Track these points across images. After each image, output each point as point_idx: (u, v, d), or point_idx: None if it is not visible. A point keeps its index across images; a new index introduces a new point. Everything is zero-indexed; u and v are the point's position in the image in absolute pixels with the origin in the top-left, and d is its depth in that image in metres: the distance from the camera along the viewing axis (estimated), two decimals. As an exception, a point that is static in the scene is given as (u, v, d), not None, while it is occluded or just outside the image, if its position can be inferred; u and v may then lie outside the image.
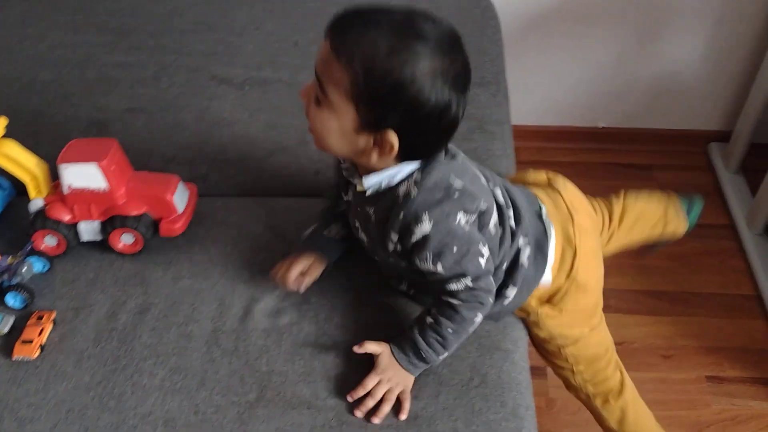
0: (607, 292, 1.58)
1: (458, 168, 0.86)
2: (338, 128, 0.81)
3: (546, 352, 1.12)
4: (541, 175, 1.13)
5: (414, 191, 0.83)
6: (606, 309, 1.55)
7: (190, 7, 1.60)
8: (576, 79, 1.85)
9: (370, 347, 0.90)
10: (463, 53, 0.80)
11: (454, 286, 0.86)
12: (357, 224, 0.93)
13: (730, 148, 1.83)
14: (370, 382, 0.89)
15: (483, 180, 0.90)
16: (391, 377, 0.89)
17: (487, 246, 0.87)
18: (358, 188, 0.89)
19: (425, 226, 0.83)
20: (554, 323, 1.04)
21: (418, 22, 0.77)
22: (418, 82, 0.75)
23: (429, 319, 0.89)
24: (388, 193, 0.86)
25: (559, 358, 1.10)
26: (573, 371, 1.12)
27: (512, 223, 0.95)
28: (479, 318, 0.90)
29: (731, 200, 1.77)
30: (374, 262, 1.00)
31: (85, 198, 1.02)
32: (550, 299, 1.03)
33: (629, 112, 1.92)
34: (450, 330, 0.88)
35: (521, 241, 0.96)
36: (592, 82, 1.85)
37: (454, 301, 0.87)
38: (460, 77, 0.79)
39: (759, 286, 1.59)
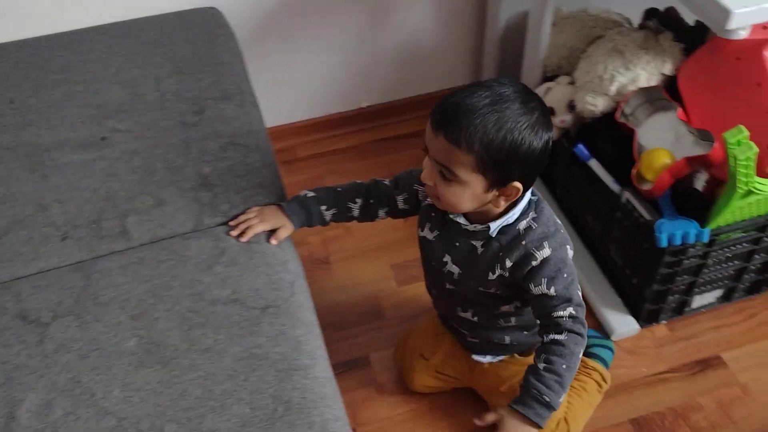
0: (408, 264, 1.62)
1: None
2: (471, 195, 0.97)
3: None
4: None
5: (534, 225, 1.03)
6: (410, 280, 1.60)
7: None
8: (327, 68, 1.85)
9: (490, 418, 1.06)
10: (536, 96, 0.96)
11: (561, 312, 1.03)
12: (447, 258, 1.10)
13: (483, 97, 1.93)
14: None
15: None
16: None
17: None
18: (466, 227, 1.06)
19: (545, 252, 1.02)
20: None
21: (500, 91, 0.92)
22: (525, 139, 0.92)
23: (542, 365, 1.04)
24: (507, 229, 1.04)
25: None
26: None
27: None
28: (580, 352, 1.05)
29: (496, 146, 1.87)
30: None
31: None
32: None
33: (386, 87, 1.96)
34: (564, 366, 1.03)
35: None
36: (343, 66, 1.86)
37: (560, 337, 1.03)
38: (545, 116, 0.95)
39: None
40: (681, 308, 1.47)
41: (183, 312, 1.00)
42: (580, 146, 1.41)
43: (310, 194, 1.18)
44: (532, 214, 1.04)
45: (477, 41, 1.90)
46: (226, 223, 1.13)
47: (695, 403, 1.36)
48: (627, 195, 1.36)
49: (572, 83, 1.49)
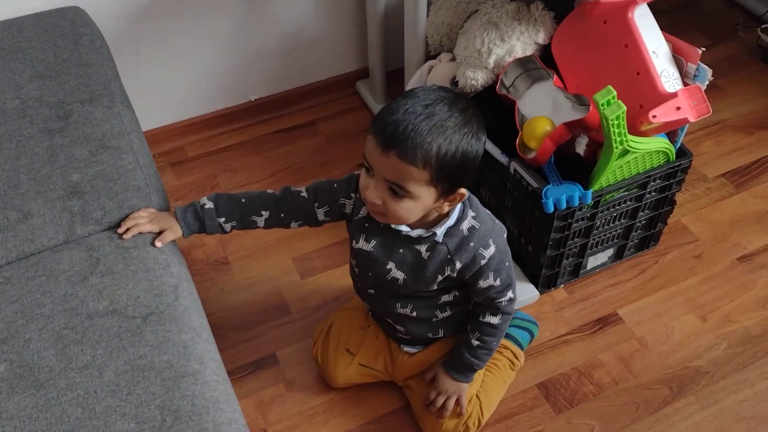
0: (309, 256, 1.61)
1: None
2: (422, 207, 0.99)
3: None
4: None
5: (477, 224, 1.07)
6: (313, 272, 1.58)
7: None
8: (210, 63, 1.79)
9: (428, 376, 1.25)
10: (467, 101, 0.98)
11: (502, 298, 1.13)
12: (390, 266, 1.10)
13: (372, 82, 1.92)
14: (437, 399, 1.22)
15: None
16: (448, 388, 1.21)
17: None
18: (408, 234, 1.07)
19: (491, 250, 1.07)
20: None
21: (437, 103, 0.93)
22: (472, 147, 0.96)
23: (476, 342, 1.17)
24: (452, 231, 1.06)
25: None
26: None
27: None
28: (507, 327, 1.20)
29: (389, 129, 1.87)
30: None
31: None
32: None
33: (274, 78, 1.91)
34: (494, 343, 1.18)
35: None
36: (226, 60, 1.80)
37: (495, 320, 1.15)
38: (479, 119, 0.98)
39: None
40: (577, 271, 1.50)
41: (57, 330, 0.93)
42: (465, 121, 1.42)
43: (208, 205, 1.13)
44: (471, 213, 1.07)
45: (360, 26, 1.89)
46: (100, 232, 1.06)
47: (597, 361, 1.40)
48: (514, 165, 1.37)
49: (454, 60, 1.49)
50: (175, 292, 1.00)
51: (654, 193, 1.43)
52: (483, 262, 1.07)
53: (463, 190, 1.00)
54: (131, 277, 1.00)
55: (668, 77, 1.30)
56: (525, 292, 1.47)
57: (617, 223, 1.44)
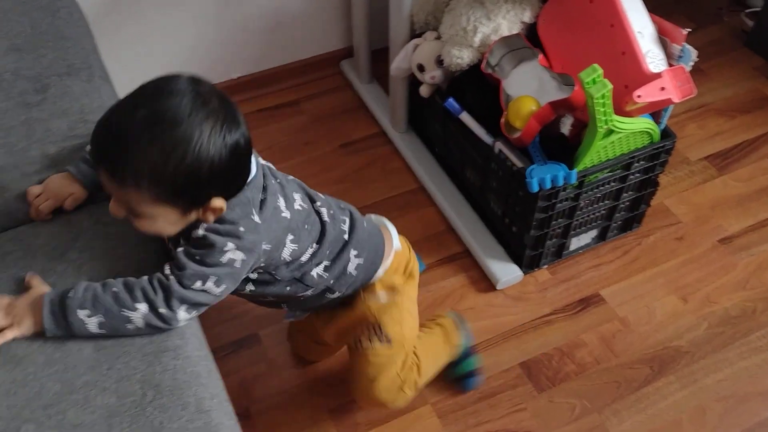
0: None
1: (261, 203, 0.89)
2: (167, 223, 0.84)
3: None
4: None
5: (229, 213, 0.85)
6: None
7: None
8: (192, 39, 1.76)
9: (36, 281, 0.90)
10: (210, 91, 0.80)
11: (163, 268, 0.86)
12: None
13: (356, 61, 1.91)
14: None
15: (284, 212, 0.92)
16: (17, 314, 0.86)
17: (222, 289, 0.87)
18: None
19: (199, 232, 0.85)
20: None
21: (157, 105, 0.77)
22: (204, 156, 0.77)
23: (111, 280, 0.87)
24: None
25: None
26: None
27: (345, 236, 1.02)
28: (142, 308, 0.84)
29: (374, 108, 1.86)
30: None
31: None
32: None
33: (257, 56, 1.89)
34: (116, 291, 0.84)
35: (352, 253, 1.02)
36: (208, 36, 1.78)
37: (141, 283, 0.86)
38: (228, 114, 0.80)
39: (419, 178, 1.70)
40: (560, 251, 1.51)
41: (35, 305, 0.91)
42: (450, 100, 1.41)
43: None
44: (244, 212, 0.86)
45: (345, 4, 1.87)
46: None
47: (579, 341, 1.41)
48: (499, 145, 1.37)
49: (439, 38, 1.48)
50: (156, 269, 0.98)
51: (637, 175, 1.43)
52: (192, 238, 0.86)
53: (218, 203, 0.82)
54: (111, 253, 0.98)
55: (653, 58, 1.30)
56: (508, 272, 1.48)
57: (601, 204, 1.45)
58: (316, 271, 1.00)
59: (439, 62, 1.46)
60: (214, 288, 0.86)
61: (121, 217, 0.85)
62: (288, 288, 1.00)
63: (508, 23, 1.38)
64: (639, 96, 1.25)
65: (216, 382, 0.90)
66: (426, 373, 1.20)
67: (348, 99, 1.94)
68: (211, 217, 0.85)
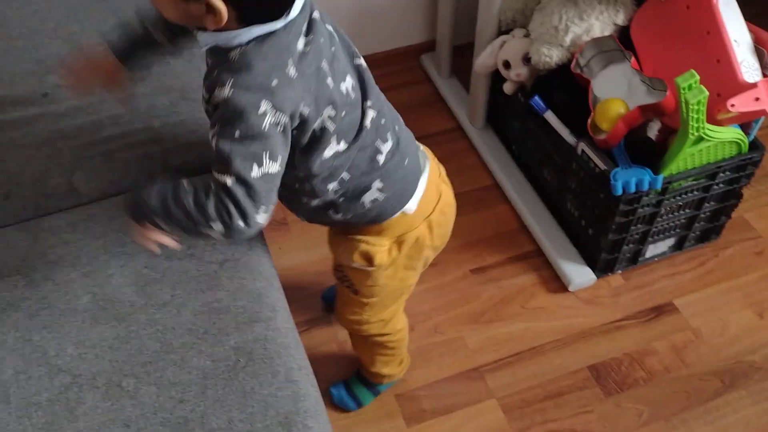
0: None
1: (299, 55, 0.77)
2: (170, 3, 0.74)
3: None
4: None
5: (238, 57, 0.75)
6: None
7: None
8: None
9: None
10: None
11: (215, 174, 0.76)
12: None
13: (437, 55, 1.92)
14: None
15: (329, 79, 0.80)
16: None
17: (280, 162, 0.77)
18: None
19: (225, 91, 0.73)
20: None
21: None
22: None
23: (184, 183, 0.78)
24: (222, 52, 0.76)
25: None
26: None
27: (380, 158, 0.88)
28: (217, 227, 0.76)
29: (452, 103, 1.87)
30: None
31: None
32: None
33: (340, 45, 1.92)
34: (187, 206, 0.76)
35: (377, 184, 0.89)
36: (296, 23, 1.82)
37: (209, 191, 0.76)
38: None
39: (494, 175, 1.70)
40: (635, 258, 1.49)
41: (138, 268, 0.97)
42: (536, 98, 1.42)
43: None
44: (251, 45, 0.75)
45: (432, -2, 1.88)
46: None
47: (650, 348, 1.39)
48: (582, 146, 1.37)
49: (527, 36, 1.49)
50: (249, 242, 1.03)
51: (722, 185, 1.41)
52: (214, 102, 0.75)
53: (217, 3, 0.71)
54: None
55: (748, 67, 1.28)
56: (581, 275, 1.47)
57: (681, 212, 1.43)
58: (333, 185, 0.88)
59: (526, 60, 1.47)
60: (273, 164, 0.76)
61: None
62: (297, 185, 0.88)
63: (600, 24, 1.37)
64: (732, 105, 1.23)
65: (302, 354, 0.93)
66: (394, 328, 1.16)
67: (425, 93, 1.95)
68: (210, 22, 0.73)
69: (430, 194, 0.98)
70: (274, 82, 0.74)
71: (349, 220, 0.93)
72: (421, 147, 1.01)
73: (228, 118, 0.74)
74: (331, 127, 0.81)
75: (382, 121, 0.88)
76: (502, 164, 1.70)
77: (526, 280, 1.51)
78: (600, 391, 1.33)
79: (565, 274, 1.48)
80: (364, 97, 0.86)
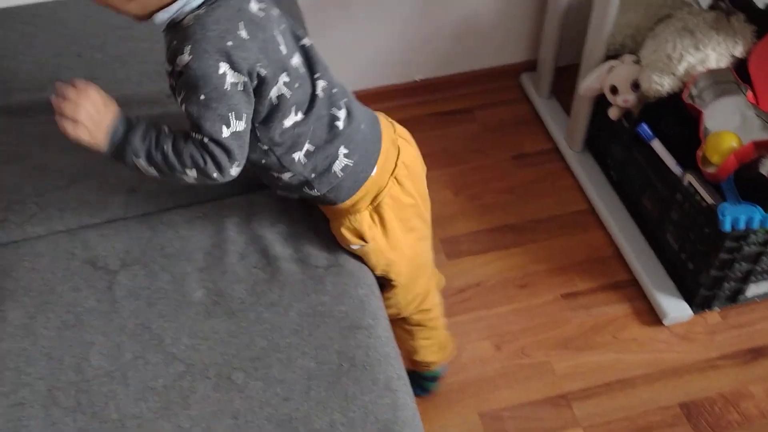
0: (458, 238, 1.63)
1: (251, 17, 0.82)
2: None
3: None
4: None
5: (192, 22, 0.80)
6: (459, 254, 1.60)
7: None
8: (385, 38, 1.85)
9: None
10: None
11: (191, 132, 0.83)
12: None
13: (538, 75, 1.92)
14: (74, 92, 0.83)
15: (281, 46, 0.86)
16: (88, 119, 0.83)
17: (245, 120, 0.83)
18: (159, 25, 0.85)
19: (185, 58, 0.79)
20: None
21: None
22: None
23: (165, 129, 0.85)
24: (177, 24, 0.82)
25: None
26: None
27: (338, 125, 0.92)
28: (192, 174, 0.84)
29: (549, 124, 1.86)
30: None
31: None
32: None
33: (441, 61, 1.94)
34: (165, 151, 0.83)
35: (342, 150, 0.93)
36: (400, 38, 1.85)
37: (188, 140, 0.83)
38: None
39: (590, 199, 1.68)
40: (735, 296, 1.44)
41: (248, 267, 1.01)
42: (644, 126, 1.39)
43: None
44: (201, 10, 0.81)
45: (537, 17, 1.88)
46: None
47: (746, 391, 1.34)
48: (689, 177, 1.33)
49: (637, 62, 1.46)
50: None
51: (836, 228, 1.34)
52: (176, 69, 0.80)
53: None
54: (314, 230, 1.06)
55: None
56: (677, 309, 1.43)
57: (789, 253, 1.37)
58: (298, 155, 0.91)
59: (635, 86, 1.44)
60: (239, 123, 0.82)
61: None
62: (264, 161, 0.92)
63: (717, 55, 1.34)
64: None
65: (400, 364, 0.95)
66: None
67: (523, 112, 1.95)
68: None
69: (388, 151, 1.00)
70: (229, 44, 0.79)
71: (327, 196, 0.96)
72: (368, 109, 1.04)
73: (192, 83, 0.79)
74: (287, 94, 0.86)
75: (333, 90, 0.93)
76: (599, 189, 1.67)
77: (619, 309, 1.48)
78: (691, 430, 1.29)
79: (661, 306, 1.44)
80: (312, 71, 0.91)
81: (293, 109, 0.88)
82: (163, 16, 0.82)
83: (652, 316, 1.46)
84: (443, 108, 1.98)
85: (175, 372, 0.89)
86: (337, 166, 0.93)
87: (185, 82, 0.80)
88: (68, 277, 1.00)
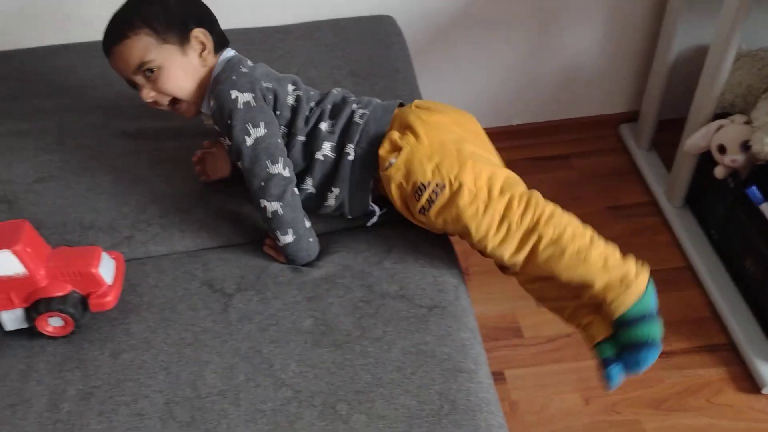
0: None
1: (247, 66, 1.11)
2: (177, 67, 1.07)
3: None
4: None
5: (223, 73, 1.08)
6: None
7: (84, 62, 1.52)
8: (485, 82, 1.88)
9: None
10: None
11: (251, 183, 1.07)
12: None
13: (639, 127, 1.90)
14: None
15: (280, 75, 1.14)
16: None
17: (263, 123, 1.05)
18: (207, 122, 1.13)
19: (234, 95, 1.05)
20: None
21: None
22: None
23: None
24: (217, 95, 1.07)
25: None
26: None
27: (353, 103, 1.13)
28: (270, 204, 1.06)
29: (648, 177, 1.84)
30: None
31: (3, 287, 0.95)
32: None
33: (540, 107, 1.96)
34: (274, 230, 1.08)
35: (354, 105, 1.13)
36: (501, 82, 1.88)
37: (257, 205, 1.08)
38: None
39: (688, 257, 1.65)
40: (843, 370, 1.38)
41: (355, 301, 1.04)
42: (754, 189, 1.36)
43: None
44: (224, 65, 1.10)
45: (642, 70, 1.88)
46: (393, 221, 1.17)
47: None
48: (800, 244, 1.30)
49: (748, 123, 1.44)
50: (456, 292, 1.08)
51: None
52: (226, 113, 1.05)
53: (197, 32, 1.07)
54: (419, 270, 1.09)
55: None
56: (779, 378, 1.38)
57: None
58: (323, 126, 1.10)
59: (745, 147, 1.42)
60: (262, 130, 1.04)
61: (151, 98, 1.08)
62: (306, 147, 1.10)
63: (837, 121, 1.30)
64: None
65: (500, 411, 0.96)
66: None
67: (621, 163, 1.93)
68: (207, 54, 1.09)
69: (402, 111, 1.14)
70: (234, 78, 1.06)
71: (360, 145, 1.09)
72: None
73: (219, 115, 1.06)
74: (299, 91, 1.12)
75: (351, 98, 1.16)
76: (698, 247, 1.64)
77: (714, 373, 1.44)
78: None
79: (760, 374, 1.39)
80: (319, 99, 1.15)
81: (309, 99, 1.13)
82: (206, 104, 1.13)
83: (749, 383, 1.41)
84: (540, 153, 1.99)
85: (283, 397, 0.93)
86: (357, 116, 1.11)
87: (218, 119, 1.08)
88: (188, 297, 1.06)
